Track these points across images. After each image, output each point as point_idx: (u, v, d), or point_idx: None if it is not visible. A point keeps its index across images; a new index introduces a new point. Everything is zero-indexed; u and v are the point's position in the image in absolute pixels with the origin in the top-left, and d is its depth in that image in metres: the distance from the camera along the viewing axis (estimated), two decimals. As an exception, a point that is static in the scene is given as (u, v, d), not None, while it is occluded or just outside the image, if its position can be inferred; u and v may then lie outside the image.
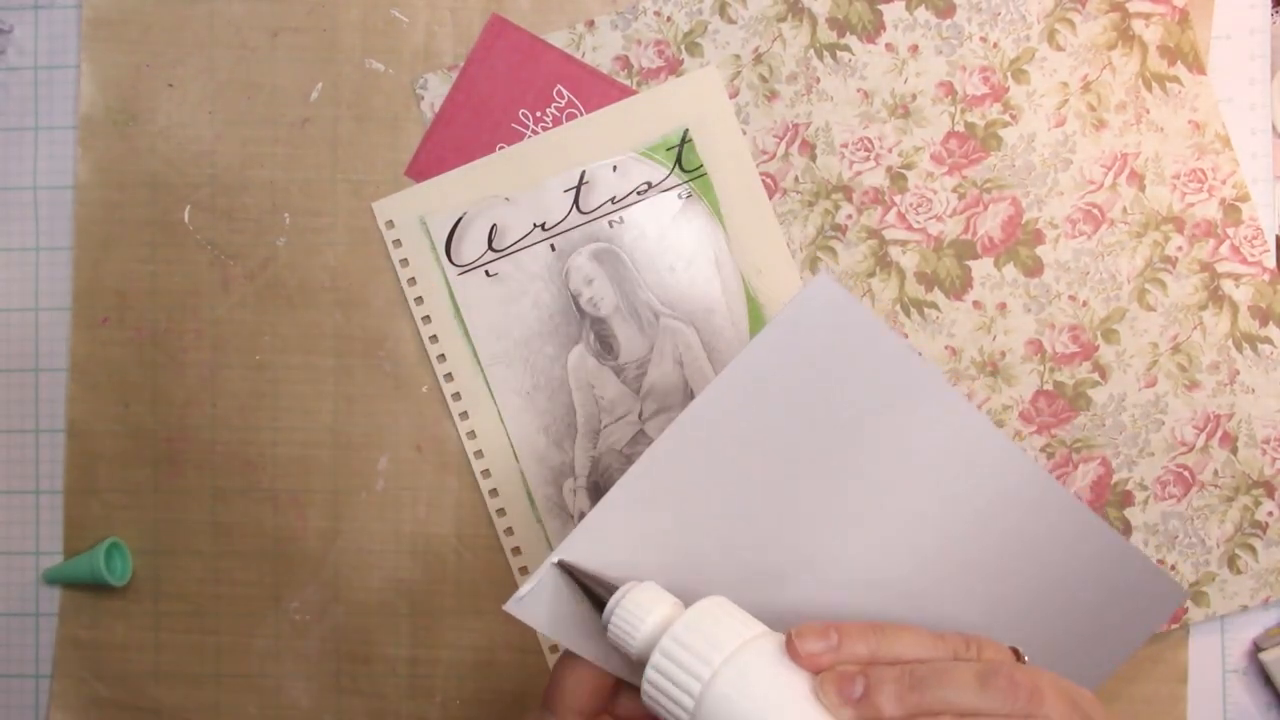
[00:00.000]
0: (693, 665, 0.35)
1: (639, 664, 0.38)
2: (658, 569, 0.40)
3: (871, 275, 0.55)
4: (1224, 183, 0.54)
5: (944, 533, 0.44)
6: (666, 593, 0.38)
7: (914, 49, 0.55)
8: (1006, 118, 0.54)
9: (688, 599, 0.39)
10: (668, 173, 0.55)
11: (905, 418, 0.42)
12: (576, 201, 0.55)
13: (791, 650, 0.35)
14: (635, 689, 0.40)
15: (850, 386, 0.42)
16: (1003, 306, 0.54)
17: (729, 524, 0.41)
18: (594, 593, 0.39)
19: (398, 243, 0.56)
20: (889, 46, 0.55)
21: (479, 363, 0.55)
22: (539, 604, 0.37)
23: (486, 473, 0.55)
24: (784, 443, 0.42)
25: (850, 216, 0.55)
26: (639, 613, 0.37)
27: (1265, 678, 0.54)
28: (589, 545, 0.38)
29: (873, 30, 0.55)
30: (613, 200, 0.55)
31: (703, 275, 0.55)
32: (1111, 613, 0.48)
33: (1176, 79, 0.54)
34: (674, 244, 0.55)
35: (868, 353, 0.41)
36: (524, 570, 0.55)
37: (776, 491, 0.42)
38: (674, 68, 0.55)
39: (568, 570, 0.40)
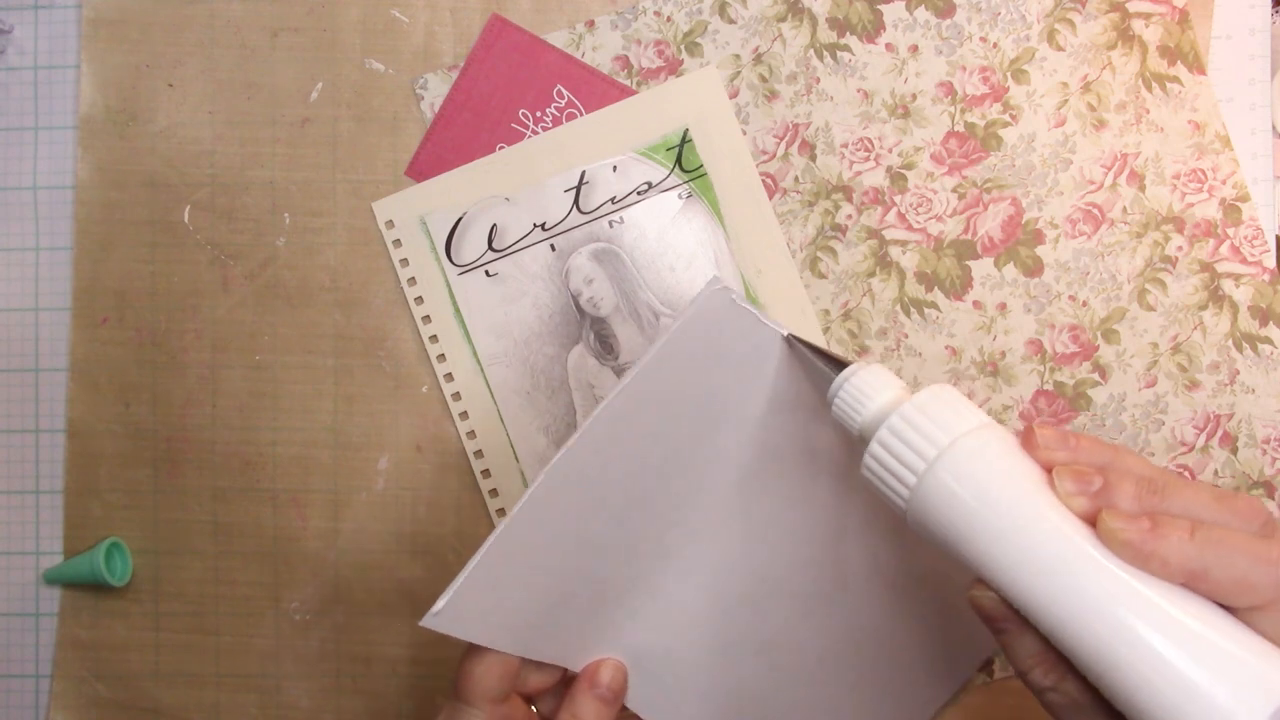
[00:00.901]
0: (932, 433, 0.35)
1: (859, 438, 0.38)
2: (552, 581, 0.42)
3: (871, 275, 0.55)
4: (1224, 183, 0.54)
5: (844, 538, 0.46)
6: (895, 376, 0.39)
7: (914, 49, 0.55)
8: (1006, 118, 0.54)
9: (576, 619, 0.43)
10: (668, 173, 0.55)
11: (798, 421, 0.44)
12: (576, 201, 0.55)
13: (1029, 442, 0.36)
14: (542, 666, 0.44)
15: (737, 397, 0.43)
16: (1003, 306, 0.54)
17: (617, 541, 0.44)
18: (819, 367, 0.40)
19: (398, 243, 0.56)
20: (889, 46, 0.55)
21: (479, 363, 0.55)
22: (454, 614, 0.38)
23: (486, 473, 0.55)
24: (682, 456, 0.43)
25: (850, 216, 0.55)
26: (868, 389, 0.38)
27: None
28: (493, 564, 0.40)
29: (873, 30, 0.55)
30: (613, 200, 0.55)
31: (703, 275, 0.55)
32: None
33: (1176, 79, 0.54)
34: (674, 244, 0.55)
35: (759, 362, 0.42)
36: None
37: (663, 500, 0.44)
38: (674, 68, 0.55)
39: (796, 342, 0.42)
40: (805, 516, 0.46)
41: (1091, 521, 0.34)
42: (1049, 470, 0.35)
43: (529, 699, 0.45)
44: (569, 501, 0.41)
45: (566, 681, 0.45)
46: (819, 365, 0.41)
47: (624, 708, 0.47)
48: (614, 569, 0.45)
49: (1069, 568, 0.33)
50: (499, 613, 0.41)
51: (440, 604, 0.38)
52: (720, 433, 0.45)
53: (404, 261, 0.55)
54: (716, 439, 0.46)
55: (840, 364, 0.40)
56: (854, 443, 0.39)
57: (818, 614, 0.48)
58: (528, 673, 0.44)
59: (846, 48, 0.55)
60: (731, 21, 0.55)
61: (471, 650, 0.41)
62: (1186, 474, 0.54)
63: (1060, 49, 0.54)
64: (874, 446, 0.37)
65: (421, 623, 0.38)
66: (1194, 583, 0.32)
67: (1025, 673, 0.36)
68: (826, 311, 0.55)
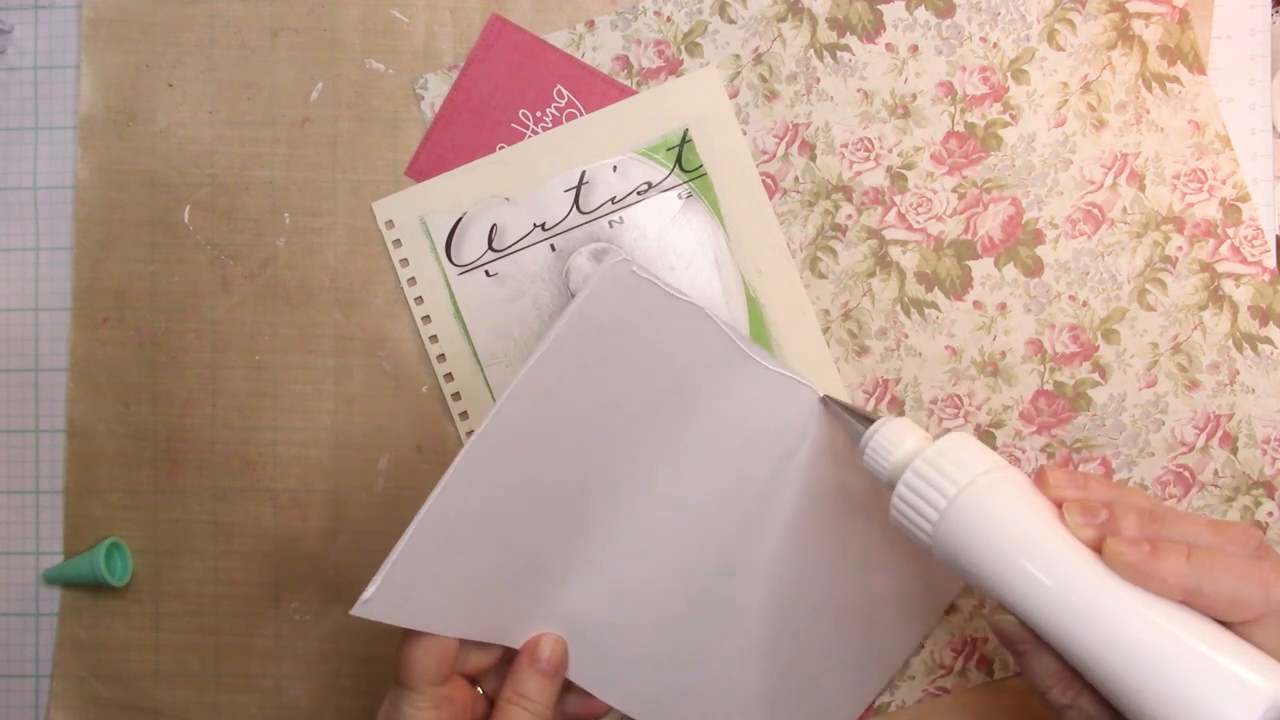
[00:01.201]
0: (953, 473, 0.39)
1: (888, 485, 0.42)
2: (481, 562, 0.44)
3: (871, 275, 0.55)
4: (1224, 183, 0.54)
5: (755, 498, 0.49)
6: (918, 427, 0.43)
7: (914, 49, 0.55)
8: (1006, 118, 0.54)
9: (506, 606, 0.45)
10: (668, 173, 0.55)
11: (709, 386, 0.47)
12: (576, 201, 0.55)
13: (1041, 480, 0.40)
14: (482, 645, 0.45)
15: (652, 367, 0.46)
16: (1003, 306, 0.54)
17: (540, 522, 0.45)
18: (850, 422, 0.45)
19: (398, 243, 0.56)
20: (889, 46, 0.55)
21: (479, 363, 0.55)
22: (386, 601, 0.40)
23: (486, 473, 0.55)
24: (594, 430, 0.45)
25: (850, 216, 0.55)
26: (895, 438, 0.42)
27: (1265, 678, 0.54)
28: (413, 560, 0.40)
29: (873, 30, 0.55)
30: (613, 200, 0.55)
31: (703, 275, 0.55)
32: (915, 580, 0.52)
33: (1176, 79, 0.54)
34: (674, 244, 0.55)
35: (668, 332, 0.46)
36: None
37: (586, 480, 0.46)
38: (674, 68, 0.55)
39: (830, 402, 0.47)
40: (836, 542, 0.50)
41: (1099, 550, 0.37)
42: (1060, 506, 0.39)
43: (472, 679, 0.46)
44: (494, 481, 0.42)
45: (508, 660, 0.46)
46: (850, 420, 0.45)
47: (569, 682, 0.48)
48: (548, 545, 0.46)
49: (1079, 590, 0.36)
50: (432, 596, 0.42)
51: (370, 591, 0.39)
52: (700, 425, 0.47)
53: (404, 261, 0.55)
54: (703, 433, 0.47)
55: (869, 419, 0.44)
56: (884, 490, 0.42)
57: (806, 597, 0.50)
58: (468, 653, 0.44)
59: (846, 48, 0.55)
60: (731, 21, 0.55)
61: (408, 635, 0.42)
62: (1187, 474, 0.54)
63: (1060, 49, 0.54)
64: (901, 488, 0.40)
65: (353, 611, 0.39)
66: (1191, 600, 0.36)
67: (1044, 692, 0.39)
68: (826, 311, 0.55)
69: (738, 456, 0.48)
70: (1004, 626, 0.39)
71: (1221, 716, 0.33)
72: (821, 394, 0.48)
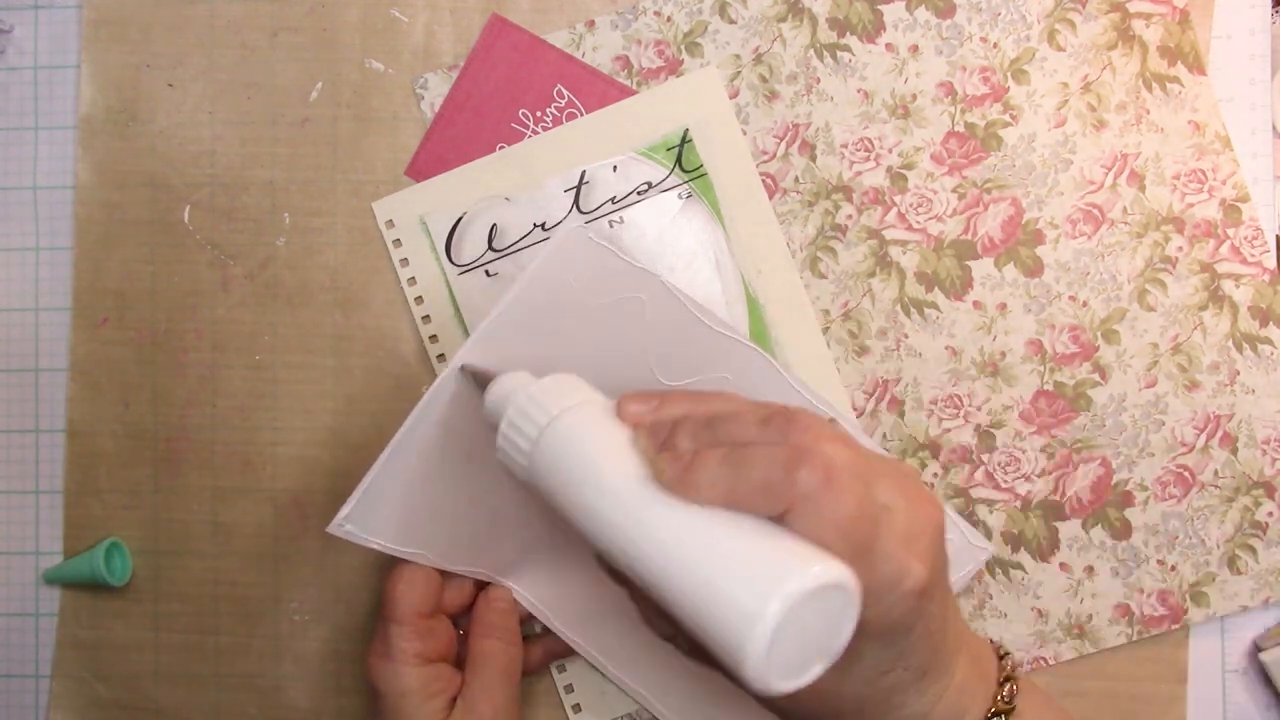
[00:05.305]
0: (537, 413, 0.39)
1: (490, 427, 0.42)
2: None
3: (872, 275, 0.55)
4: (1224, 183, 0.54)
5: None
6: (527, 375, 0.42)
7: (914, 49, 0.55)
8: (1006, 118, 0.54)
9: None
10: (668, 173, 0.55)
11: (665, 349, 0.50)
12: (576, 201, 0.55)
13: (618, 409, 0.39)
14: (456, 583, 0.50)
15: (608, 328, 0.49)
16: (1003, 307, 0.54)
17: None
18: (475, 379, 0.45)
19: (398, 242, 0.56)
20: (889, 46, 0.55)
21: (479, 363, 0.55)
22: (364, 519, 0.45)
23: (486, 473, 0.55)
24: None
25: (850, 216, 0.55)
26: (503, 383, 0.42)
27: (1265, 678, 0.54)
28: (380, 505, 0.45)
29: (873, 30, 0.55)
30: (613, 200, 0.55)
31: (703, 275, 0.55)
32: None
33: (1176, 79, 0.54)
34: (674, 244, 0.55)
35: (626, 296, 0.49)
36: (524, 570, 0.56)
37: None
38: (674, 68, 0.55)
39: (466, 371, 0.45)
40: None
41: None
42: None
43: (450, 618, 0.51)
44: (456, 424, 0.46)
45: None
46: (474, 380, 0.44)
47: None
48: (503, 491, 0.48)
49: (632, 512, 0.35)
50: (401, 522, 0.46)
51: (345, 510, 0.44)
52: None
53: (404, 261, 0.55)
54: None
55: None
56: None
57: None
58: (448, 590, 0.49)
59: (846, 48, 0.55)
60: (732, 21, 0.55)
61: (394, 572, 0.47)
62: (1187, 474, 0.54)
63: (1060, 49, 0.54)
64: (502, 424, 0.40)
65: (329, 529, 0.44)
66: (732, 502, 0.34)
67: (650, 624, 0.40)
68: (826, 311, 0.55)
69: None
70: (610, 565, 0.38)
71: (748, 612, 0.32)
72: (461, 365, 0.45)
